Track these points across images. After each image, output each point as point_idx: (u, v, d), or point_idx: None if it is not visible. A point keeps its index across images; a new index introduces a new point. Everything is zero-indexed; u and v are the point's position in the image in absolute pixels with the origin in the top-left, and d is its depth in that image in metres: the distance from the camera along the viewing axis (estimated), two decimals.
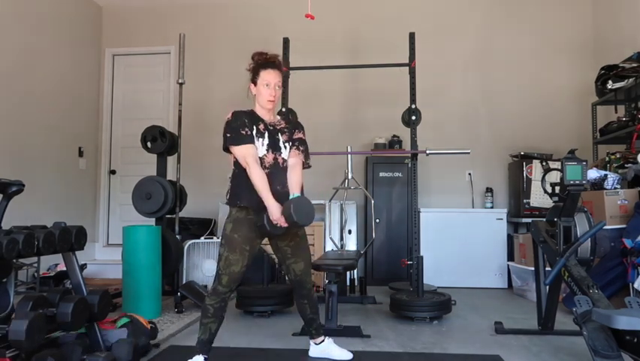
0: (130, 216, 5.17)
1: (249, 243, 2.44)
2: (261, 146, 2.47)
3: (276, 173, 2.48)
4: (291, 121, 2.72)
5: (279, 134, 2.55)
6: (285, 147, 2.54)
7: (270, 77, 2.49)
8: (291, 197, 2.43)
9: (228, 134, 2.45)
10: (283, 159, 2.52)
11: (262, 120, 2.53)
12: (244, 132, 2.43)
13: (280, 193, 2.43)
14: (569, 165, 2.65)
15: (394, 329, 3.27)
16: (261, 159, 2.45)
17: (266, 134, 2.49)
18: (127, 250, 3.56)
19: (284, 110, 4.21)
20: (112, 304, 3.28)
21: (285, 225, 2.35)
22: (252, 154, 2.41)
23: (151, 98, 6.00)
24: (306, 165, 2.61)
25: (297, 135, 2.60)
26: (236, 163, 2.50)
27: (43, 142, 5.01)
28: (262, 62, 2.52)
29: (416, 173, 4.00)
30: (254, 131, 2.47)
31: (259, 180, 2.38)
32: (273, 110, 2.59)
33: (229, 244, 2.42)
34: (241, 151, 2.42)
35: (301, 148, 2.58)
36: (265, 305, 3.62)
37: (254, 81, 2.54)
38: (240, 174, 2.48)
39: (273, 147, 2.50)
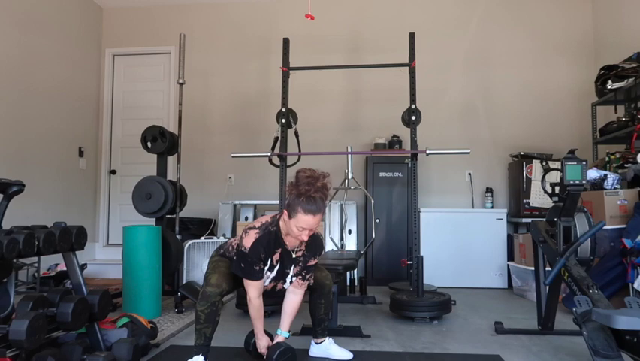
0: (130, 216, 5.18)
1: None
2: (266, 278, 2.48)
3: (270, 293, 2.58)
4: (313, 245, 2.50)
5: (292, 265, 2.48)
6: (291, 281, 2.53)
7: (308, 225, 2.26)
8: (278, 333, 2.53)
9: (242, 265, 2.36)
10: (283, 287, 2.56)
11: (282, 246, 2.42)
12: (257, 268, 2.38)
13: (274, 289, 2.56)
14: (569, 165, 2.65)
15: (394, 329, 3.27)
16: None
17: (276, 269, 2.46)
18: (127, 249, 3.56)
19: (284, 110, 4.21)
20: (112, 304, 3.28)
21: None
22: (257, 288, 2.42)
23: (151, 98, 6.00)
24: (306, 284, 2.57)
25: (311, 263, 2.51)
26: (238, 253, 2.43)
27: (43, 142, 5.01)
28: (306, 200, 2.23)
29: (416, 173, 4.00)
30: (267, 266, 2.43)
31: (255, 311, 2.47)
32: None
33: (217, 260, 2.54)
34: (248, 283, 2.42)
35: (307, 276, 2.51)
36: (265, 305, 3.57)
37: (289, 212, 2.28)
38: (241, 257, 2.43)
39: (278, 278, 2.51)
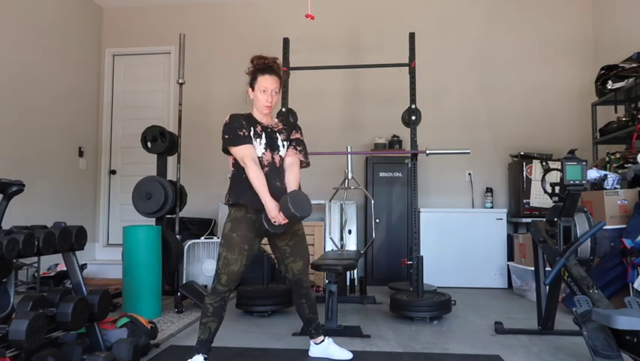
0: (130, 216, 5.18)
1: (248, 242, 2.44)
2: (258, 145, 2.49)
3: (275, 171, 2.49)
4: (288, 122, 2.73)
5: (277, 134, 2.56)
6: (283, 146, 2.55)
7: (267, 83, 2.49)
8: None
9: (226, 136, 2.46)
10: (281, 157, 2.54)
11: (259, 123, 2.55)
12: (242, 133, 2.45)
13: (279, 190, 2.44)
14: (569, 165, 2.65)
15: (394, 328, 3.27)
16: (259, 158, 2.46)
17: (263, 135, 2.51)
18: (127, 249, 3.56)
19: (284, 110, 4.21)
20: (112, 304, 3.28)
21: (284, 222, 2.36)
22: (249, 154, 2.43)
23: (151, 98, 6.00)
24: (304, 164, 2.61)
25: (295, 136, 2.61)
26: (235, 164, 2.52)
27: (43, 142, 5.01)
28: (260, 66, 2.51)
29: (416, 173, 4.00)
30: (251, 133, 2.49)
31: (257, 179, 2.39)
32: (270, 114, 2.60)
33: (228, 244, 2.43)
34: (239, 151, 2.43)
35: (299, 148, 2.59)
36: (265, 305, 3.62)
37: (252, 86, 2.54)
38: (238, 174, 2.49)
39: (271, 146, 2.51)
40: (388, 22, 5.58)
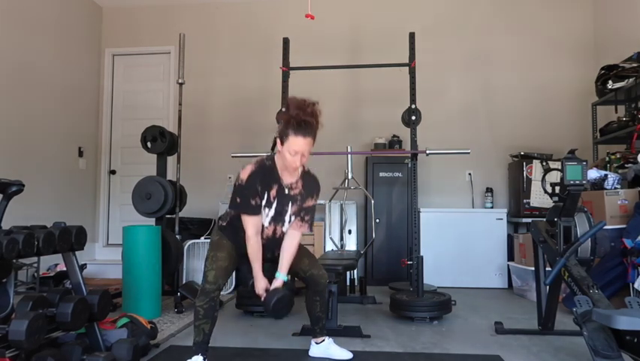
0: (130, 216, 5.17)
1: (236, 250, 2.50)
2: (265, 216, 2.45)
3: (272, 243, 2.52)
4: (309, 184, 2.53)
5: (290, 203, 2.47)
6: (289, 221, 2.51)
7: (299, 147, 2.30)
8: (276, 277, 2.48)
9: (238, 200, 2.39)
10: (283, 231, 2.53)
11: (278, 182, 2.43)
12: (253, 202, 2.38)
13: (271, 260, 2.52)
14: (569, 165, 2.65)
15: (394, 329, 3.27)
16: (262, 225, 2.47)
17: (274, 205, 2.44)
18: (127, 249, 3.56)
19: (283, 110, 4.20)
20: (112, 304, 3.27)
21: (262, 299, 2.45)
22: (255, 225, 2.41)
23: (151, 98, 6.00)
24: (307, 232, 2.56)
25: (309, 203, 2.51)
26: (235, 187, 2.46)
27: (43, 142, 5.01)
28: (296, 122, 2.28)
29: (416, 173, 4.00)
30: (264, 201, 2.42)
31: (254, 250, 2.43)
32: (297, 171, 2.47)
33: (217, 246, 2.49)
34: (245, 220, 2.41)
35: (306, 218, 2.52)
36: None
37: (282, 140, 2.33)
38: (235, 219, 2.47)
39: (277, 219, 2.48)
40: (388, 22, 5.57)
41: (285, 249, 2.50)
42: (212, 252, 2.48)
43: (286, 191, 2.45)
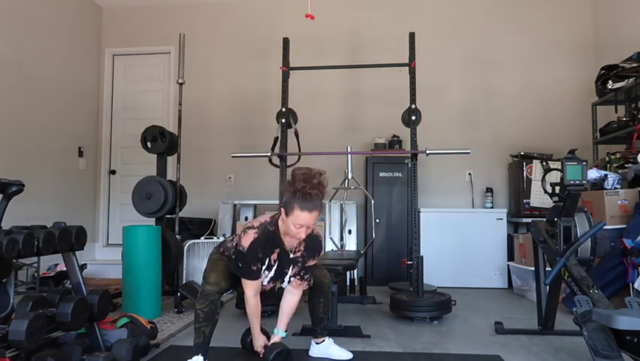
0: (130, 216, 5.18)
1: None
2: (264, 277, 2.49)
3: (270, 294, 2.62)
4: (312, 245, 2.51)
5: (290, 266, 2.49)
6: (289, 281, 2.54)
7: (304, 221, 2.27)
8: (275, 333, 2.55)
9: (240, 265, 2.40)
10: (281, 287, 2.57)
11: (280, 247, 2.43)
12: (254, 268, 2.40)
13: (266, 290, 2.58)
14: (569, 165, 2.65)
15: (394, 329, 3.27)
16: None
17: (274, 268, 2.47)
18: (127, 249, 3.55)
19: (284, 110, 4.21)
20: (112, 304, 3.27)
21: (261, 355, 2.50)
22: (254, 288, 2.45)
23: (151, 98, 6.00)
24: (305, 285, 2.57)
25: (309, 263, 2.52)
26: (236, 252, 2.45)
27: (43, 142, 5.01)
28: (302, 197, 2.24)
29: (416, 173, 4.00)
30: (264, 266, 2.44)
31: (252, 310, 2.49)
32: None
33: (218, 256, 2.56)
34: (246, 283, 2.44)
35: (306, 277, 2.52)
36: (265, 305, 3.58)
37: (286, 211, 2.29)
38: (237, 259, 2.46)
39: (276, 278, 2.52)
40: (388, 22, 5.57)
41: (285, 306, 2.55)
42: (215, 255, 2.53)
43: (289, 255, 2.47)
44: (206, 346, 2.42)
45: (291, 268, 2.50)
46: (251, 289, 2.43)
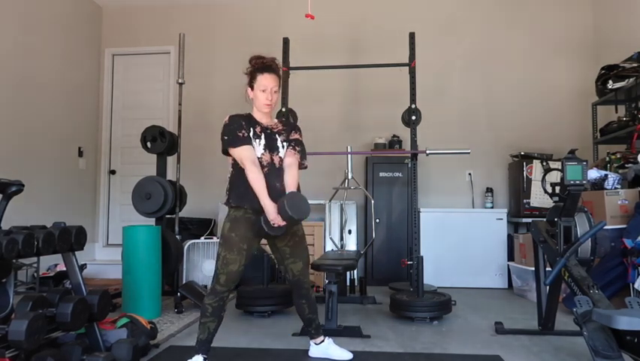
0: (130, 216, 5.18)
1: (247, 242, 2.44)
2: (257, 146, 2.49)
3: (274, 172, 2.49)
4: (288, 123, 2.73)
5: (277, 135, 2.56)
6: (283, 147, 2.56)
7: (266, 82, 2.50)
8: None
9: (226, 137, 2.47)
10: (280, 158, 2.53)
11: (259, 123, 2.55)
12: (241, 134, 2.45)
13: (278, 191, 2.44)
14: (570, 165, 2.65)
15: (394, 329, 3.27)
16: (258, 159, 2.46)
17: (262, 136, 2.51)
18: (127, 250, 3.55)
19: (284, 110, 4.21)
20: (112, 304, 3.27)
21: (283, 223, 2.35)
22: (249, 156, 2.43)
23: (151, 98, 6.00)
24: (302, 166, 2.62)
25: (294, 136, 2.61)
26: (234, 165, 2.52)
27: (42, 142, 5.01)
28: (259, 66, 2.52)
29: (416, 173, 4.00)
30: (251, 133, 2.49)
31: (256, 181, 2.39)
32: (270, 113, 2.59)
33: (227, 244, 2.43)
34: (239, 153, 2.44)
35: (297, 148, 2.59)
36: (265, 305, 3.61)
37: (251, 85, 2.54)
38: (237, 174, 2.49)
39: (270, 147, 2.52)
40: (388, 22, 5.57)
41: (288, 176, 2.50)
42: (223, 251, 2.43)
43: (268, 130, 2.55)
44: (209, 344, 2.42)
45: (278, 137, 2.55)
46: (247, 158, 2.41)
